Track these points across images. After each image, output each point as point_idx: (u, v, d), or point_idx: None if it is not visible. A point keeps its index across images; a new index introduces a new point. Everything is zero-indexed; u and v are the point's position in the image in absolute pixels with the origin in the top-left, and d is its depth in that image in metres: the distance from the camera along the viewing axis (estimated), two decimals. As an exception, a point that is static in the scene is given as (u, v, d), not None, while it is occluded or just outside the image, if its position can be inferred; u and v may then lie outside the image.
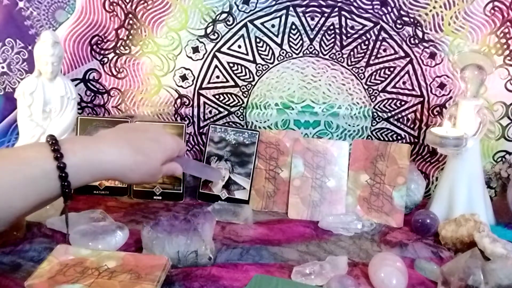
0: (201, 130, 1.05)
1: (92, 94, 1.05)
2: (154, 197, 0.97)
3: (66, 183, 0.53)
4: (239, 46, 1.01)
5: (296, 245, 0.81)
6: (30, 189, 0.52)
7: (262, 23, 1.00)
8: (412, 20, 0.97)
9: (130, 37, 1.02)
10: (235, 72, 1.03)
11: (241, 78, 1.03)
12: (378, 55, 1.00)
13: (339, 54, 1.01)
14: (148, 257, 0.71)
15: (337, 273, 0.70)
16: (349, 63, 1.01)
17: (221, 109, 1.05)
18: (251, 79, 1.03)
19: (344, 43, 1.00)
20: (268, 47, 1.01)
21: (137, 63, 1.03)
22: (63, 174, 0.53)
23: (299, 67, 1.02)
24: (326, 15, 0.99)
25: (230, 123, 1.05)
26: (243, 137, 0.97)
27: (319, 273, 0.70)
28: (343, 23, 0.99)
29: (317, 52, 1.01)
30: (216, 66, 1.02)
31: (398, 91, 1.01)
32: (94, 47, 1.02)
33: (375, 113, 1.03)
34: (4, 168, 0.51)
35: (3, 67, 1.01)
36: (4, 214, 0.51)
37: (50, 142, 0.54)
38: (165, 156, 0.65)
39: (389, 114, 1.02)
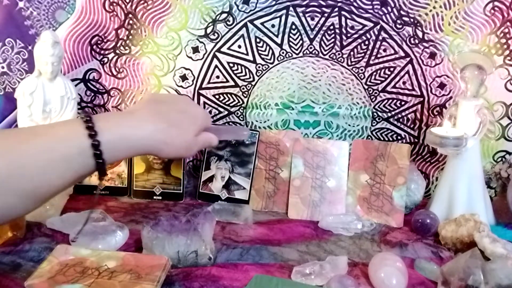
0: (201, 130, 1.05)
1: (92, 94, 1.05)
2: (154, 197, 0.97)
3: (101, 160, 0.53)
4: (239, 46, 1.01)
5: (296, 245, 0.81)
6: (67, 166, 0.52)
7: (262, 23, 1.00)
8: (412, 20, 0.97)
9: (130, 37, 1.02)
10: (235, 72, 1.03)
11: (241, 78, 1.03)
12: (378, 55, 1.00)
13: (339, 54, 1.01)
14: (148, 257, 0.71)
15: (337, 273, 0.70)
16: (349, 63, 1.01)
17: (221, 109, 1.05)
18: (251, 79, 1.03)
19: (344, 43, 1.00)
20: (268, 47, 1.01)
21: (137, 63, 1.03)
22: (98, 152, 0.53)
23: (299, 67, 1.02)
24: (326, 15, 0.99)
25: (230, 123, 1.05)
26: (243, 137, 0.97)
27: (319, 273, 0.70)
28: (343, 23, 0.99)
29: (317, 52, 1.01)
30: (216, 66, 1.02)
31: (398, 91, 1.01)
32: (94, 47, 1.02)
33: (375, 113, 1.03)
34: (41, 146, 0.51)
35: (3, 67, 1.01)
36: (42, 191, 0.51)
37: (84, 120, 0.54)
38: (198, 127, 0.64)
39: (389, 114, 1.02)
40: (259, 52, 1.01)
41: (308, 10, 0.99)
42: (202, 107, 0.70)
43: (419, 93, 1.01)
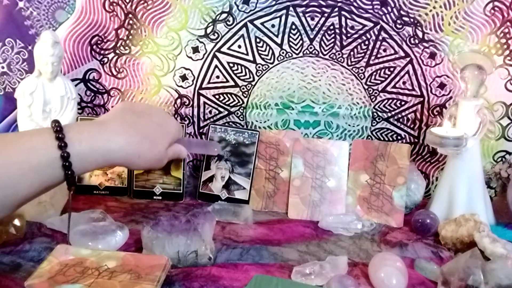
0: (201, 130, 1.05)
1: (92, 94, 1.05)
2: (154, 197, 0.97)
3: (69, 172, 0.53)
4: (239, 46, 1.01)
5: (296, 245, 0.81)
6: (35, 177, 0.52)
7: (262, 23, 1.00)
8: (412, 20, 0.97)
9: (130, 37, 1.02)
10: (235, 72, 1.03)
11: (241, 78, 1.03)
12: (378, 55, 1.00)
13: (339, 54, 1.01)
14: (148, 257, 0.70)
15: (337, 273, 0.70)
16: (349, 63, 1.01)
17: (221, 109, 1.05)
18: (251, 79, 1.03)
19: (344, 43, 1.00)
20: (268, 47, 1.01)
21: (137, 63, 1.03)
22: (67, 163, 0.53)
23: (299, 67, 1.02)
24: (326, 15, 0.99)
25: (230, 123, 1.05)
26: (243, 137, 0.97)
27: (319, 273, 0.70)
28: (343, 23, 0.99)
29: (317, 52, 1.01)
30: (216, 66, 1.02)
31: (398, 91, 1.01)
32: (94, 47, 1.02)
33: (375, 113, 1.03)
34: (10, 157, 0.51)
35: (3, 67, 1.01)
36: (9, 201, 0.51)
37: (54, 129, 0.54)
38: (169, 140, 0.65)
39: (389, 114, 1.02)
40: (259, 52, 1.01)
41: (308, 10, 0.99)
42: (175, 120, 0.70)
43: (419, 93, 1.01)
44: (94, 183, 0.97)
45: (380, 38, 0.99)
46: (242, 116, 1.05)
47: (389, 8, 0.97)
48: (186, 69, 1.03)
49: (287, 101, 1.03)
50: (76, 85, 1.01)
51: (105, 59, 1.03)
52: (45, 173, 0.52)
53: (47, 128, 0.54)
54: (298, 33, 1.00)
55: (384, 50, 1.00)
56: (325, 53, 1.01)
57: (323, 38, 1.00)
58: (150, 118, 0.64)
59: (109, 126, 0.59)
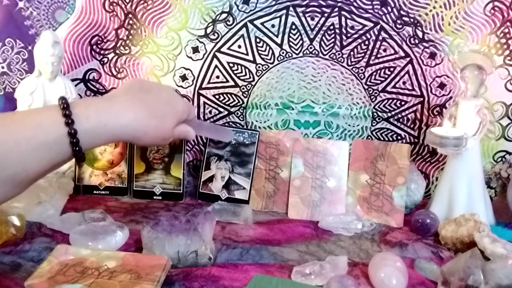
0: (201, 130, 1.05)
1: (92, 94, 1.05)
2: (154, 197, 0.97)
3: (77, 148, 0.53)
4: (239, 46, 1.01)
5: (296, 245, 0.81)
6: (44, 153, 0.52)
7: (262, 23, 1.00)
8: (412, 20, 0.97)
9: (130, 37, 1.02)
10: (235, 72, 1.03)
11: (241, 78, 1.03)
12: (378, 55, 1.00)
13: (339, 54, 1.01)
14: (148, 257, 0.71)
15: (337, 273, 0.70)
16: (349, 63, 1.01)
17: (221, 109, 1.05)
18: (251, 79, 1.03)
19: (344, 43, 1.00)
20: (268, 47, 1.01)
21: (137, 63, 1.03)
22: (74, 140, 0.52)
23: (299, 67, 1.02)
24: (326, 15, 0.99)
25: (230, 123, 1.05)
26: (243, 137, 0.97)
27: (319, 273, 0.70)
28: (343, 23, 0.99)
29: (317, 52, 1.01)
30: (216, 66, 1.02)
31: (398, 91, 1.01)
32: (94, 47, 1.02)
33: (375, 113, 1.03)
34: (19, 134, 0.51)
35: (3, 67, 1.01)
36: (19, 178, 0.51)
37: (61, 106, 0.53)
38: (177, 119, 0.64)
39: (389, 114, 1.02)
40: (259, 52, 1.01)
41: (308, 10, 0.99)
42: (185, 99, 0.69)
43: (419, 93, 1.01)
44: (94, 183, 0.97)
45: (380, 38, 0.99)
46: (242, 116, 1.05)
47: (389, 8, 0.97)
48: (186, 69, 1.03)
49: (287, 101, 1.03)
50: (76, 85, 1.01)
51: (105, 59, 1.03)
52: (53, 150, 0.52)
53: (55, 105, 0.54)
54: (298, 33, 1.00)
55: (384, 50, 1.00)
56: (325, 53, 1.01)
57: (323, 38, 1.00)
58: (158, 95, 0.63)
59: (117, 101, 0.58)
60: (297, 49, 1.01)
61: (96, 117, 0.55)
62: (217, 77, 1.03)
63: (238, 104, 1.04)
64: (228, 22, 1.00)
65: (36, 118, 0.53)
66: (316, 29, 1.00)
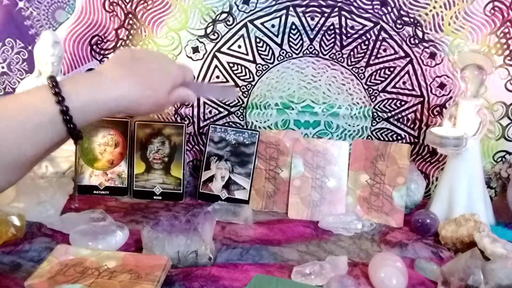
0: (201, 130, 1.05)
1: (92, 94, 1.05)
2: (154, 197, 0.97)
3: (71, 125, 0.52)
4: (239, 46, 1.01)
5: (296, 245, 0.81)
6: (40, 135, 0.52)
7: (262, 23, 1.00)
8: (412, 20, 0.97)
9: (130, 37, 1.02)
10: (235, 72, 1.03)
11: (241, 78, 1.03)
12: (378, 55, 1.00)
13: (339, 54, 1.01)
14: (148, 257, 0.71)
15: (337, 273, 0.70)
16: (349, 63, 1.01)
17: (221, 109, 1.05)
18: (251, 79, 1.03)
19: (344, 43, 1.00)
20: (268, 47, 1.01)
21: (137, 63, 1.03)
22: (67, 117, 0.52)
23: (299, 67, 1.02)
24: (326, 15, 0.99)
25: (230, 123, 1.05)
26: (243, 137, 0.97)
27: (319, 273, 0.70)
28: (343, 23, 0.99)
29: (317, 52, 1.01)
30: (216, 66, 1.02)
31: (398, 91, 1.01)
32: (94, 47, 1.02)
33: (375, 113, 1.03)
34: (12, 117, 0.50)
35: (3, 67, 1.01)
36: (17, 163, 0.51)
37: (50, 85, 0.53)
38: (171, 85, 0.63)
39: (389, 114, 1.02)
40: (259, 52, 1.01)
41: (308, 10, 0.99)
42: (181, 64, 0.67)
43: (419, 93, 1.01)
44: (94, 183, 0.97)
45: (380, 38, 0.99)
46: (242, 116, 1.05)
47: (389, 8, 0.97)
48: (186, 69, 1.03)
49: (287, 101, 1.03)
50: (76, 85, 1.01)
51: (105, 59, 1.03)
52: (48, 130, 0.52)
53: (44, 85, 0.54)
54: (298, 33, 1.00)
55: (384, 50, 1.00)
56: (325, 53, 1.01)
57: (323, 38, 1.00)
58: (149, 64, 0.62)
59: (107, 75, 0.58)
60: (297, 49, 1.01)
61: (86, 94, 0.54)
62: (217, 77, 1.03)
63: (238, 104, 1.04)
64: (228, 22, 1.00)
65: (28, 100, 0.53)
66: (316, 29, 1.00)
